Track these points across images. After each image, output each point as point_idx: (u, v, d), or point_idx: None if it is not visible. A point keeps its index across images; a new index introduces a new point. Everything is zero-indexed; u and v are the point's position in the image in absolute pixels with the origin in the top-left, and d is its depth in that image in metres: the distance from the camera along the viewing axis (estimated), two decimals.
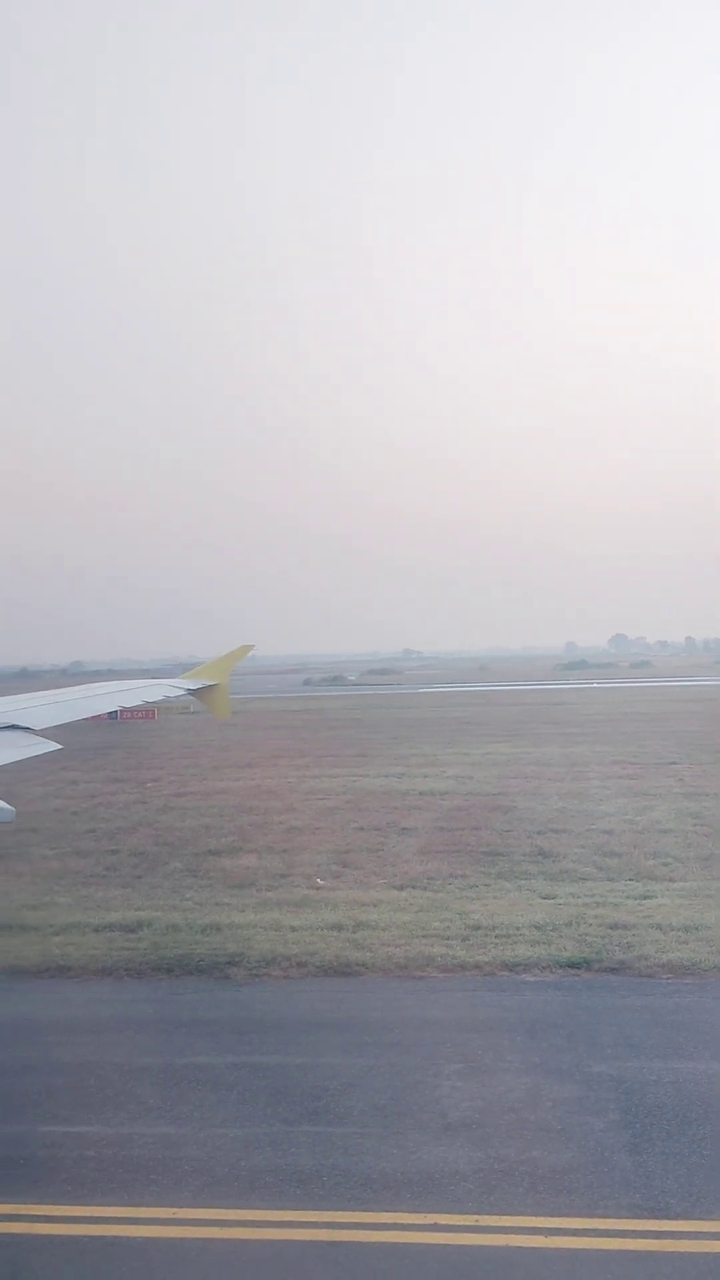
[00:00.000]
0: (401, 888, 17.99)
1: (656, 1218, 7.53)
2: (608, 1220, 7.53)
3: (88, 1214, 7.88)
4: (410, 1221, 7.65)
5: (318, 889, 18.13)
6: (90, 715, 12.34)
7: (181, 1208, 7.92)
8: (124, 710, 14.26)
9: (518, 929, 14.88)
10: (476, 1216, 7.67)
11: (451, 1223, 7.62)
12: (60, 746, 10.05)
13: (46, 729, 10.15)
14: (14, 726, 9.81)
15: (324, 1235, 7.53)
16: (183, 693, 16.42)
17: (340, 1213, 7.79)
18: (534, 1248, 7.30)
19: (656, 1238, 7.32)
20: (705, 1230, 7.37)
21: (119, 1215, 7.84)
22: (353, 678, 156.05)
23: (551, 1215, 7.60)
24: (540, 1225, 7.52)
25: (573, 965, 13.32)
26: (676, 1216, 7.54)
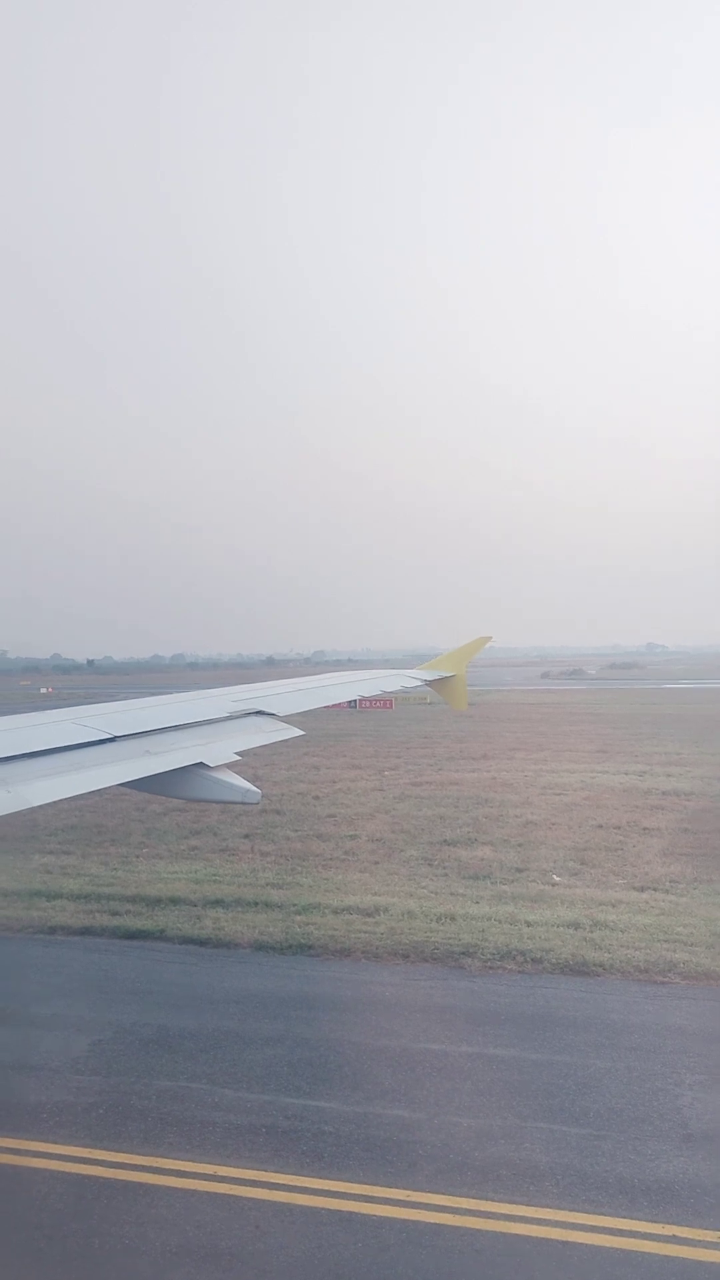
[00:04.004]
0: (642, 889, 17.48)
1: None
2: None
3: (325, 1187, 8.14)
4: (647, 1231, 7.45)
5: (554, 886, 17.89)
6: (331, 703, 12.67)
7: (416, 1191, 8.04)
8: (363, 699, 14.55)
9: None
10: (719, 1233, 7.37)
11: (692, 1237, 7.36)
12: (303, 732, 10.37)
13: (290, 715, 10.50)
14: (260, 712, 10.21)
15: (556, 1234, 7.44)
16: (420, 683, 16.57)
17: (573, 1214, 7.69)
18: None
19: None
20: None
21: (355, 1192, 8.06)
22: (593, 671, 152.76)
23: None
24: None
25: None
26: None
